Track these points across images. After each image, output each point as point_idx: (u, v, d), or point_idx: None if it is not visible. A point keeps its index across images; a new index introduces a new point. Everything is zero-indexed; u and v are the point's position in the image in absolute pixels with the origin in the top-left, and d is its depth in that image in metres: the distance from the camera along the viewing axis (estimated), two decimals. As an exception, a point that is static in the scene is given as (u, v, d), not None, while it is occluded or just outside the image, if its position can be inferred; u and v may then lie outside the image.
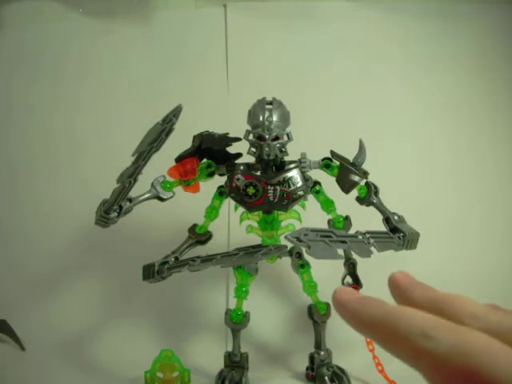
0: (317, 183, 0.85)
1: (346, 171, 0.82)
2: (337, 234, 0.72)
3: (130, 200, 0.81)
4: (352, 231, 0.79)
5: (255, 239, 0.87)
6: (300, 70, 1.21)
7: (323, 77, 1.21)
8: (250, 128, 0.82)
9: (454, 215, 1.19)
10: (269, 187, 0.82)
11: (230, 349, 0.90)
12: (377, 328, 0.26)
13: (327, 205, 0.86)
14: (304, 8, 1.25)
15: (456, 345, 0.22)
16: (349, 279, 0.89)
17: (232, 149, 0.85)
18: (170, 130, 0.73)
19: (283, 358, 1.01)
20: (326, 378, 0.87)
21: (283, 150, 0.81)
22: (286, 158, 0.84)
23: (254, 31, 1.23)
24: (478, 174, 1.22)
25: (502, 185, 1.22)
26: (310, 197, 0.85)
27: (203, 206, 0.87)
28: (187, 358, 0.94)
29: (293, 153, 0.83)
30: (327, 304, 0.90)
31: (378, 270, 1.00)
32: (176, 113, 0.72)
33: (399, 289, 0.30)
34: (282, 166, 0.84)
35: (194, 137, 0.85)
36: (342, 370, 0.87)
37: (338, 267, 0.89)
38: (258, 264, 0.88)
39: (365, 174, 0.83)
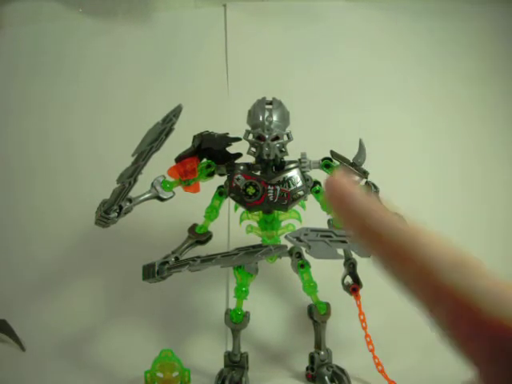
0: (317, 183, 0.85)
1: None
2: (337, 234, 0.72)
3: (130, 200, 0.81)
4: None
5: (255, 239, 0.87)
6: (300, 69, 1.21)
7: (323, 76, 1.21)
8: (249, 128, 0.82)
9: (456, 215, 1.19)
10: (269, 187, 0.82)
11: (230, 349, 0.90)
12: (386, 244, 0.21)
13: (327, 204, 0.85)
14: (304, 8, 1.25)
15: (501, 295, 0.17)
16: (349, 279, 0.89)
17: (232, 149, 0.85)
18: (170, 130, 0.73)
19: (283, 358, 1.01)
20: (326, 377, 0.86)
21: (283, 149, 0.81)
22: (286, 158, 0.84)
23: (254, 31, 1.23)
24: (481, 172, 1.22)
25: (505, 184, 1.22)
26: (310, 197, 0.85)
27: (203, 206, 0.87)
28: (187, 358, 0.93)
29: (293, 153, 0.83)
30: (327, 304, 0.90)
31: (378, 270, 1.00)
32: (176, 113, 0.72)
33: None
34: (281, 166, 0.84)
35: (194, 137, 0.85)
36: (342, 370, 0.87)
37: (338, 267, 0.89)
38: (258, 264, 0.88)
39: (365, 174, 0.83)
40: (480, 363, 0.18)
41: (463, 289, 0.18)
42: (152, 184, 0.84)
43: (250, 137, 0.81)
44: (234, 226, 0.96)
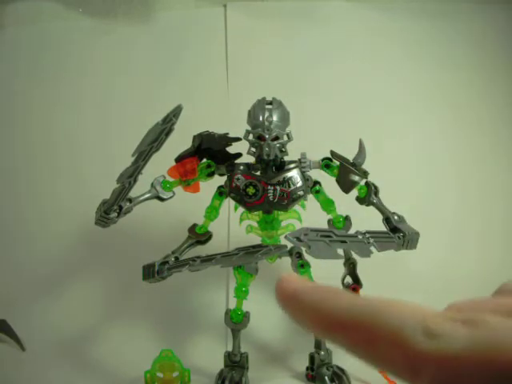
0: (317, 183, 0.85)
1: (346, 171, 0.82)
2: (337, 234, 0.72)
3: (130, 200, 0.81)
4: (352, 231, 0.79)
5: (255, 239, 0.87)
6: (300, 69, 1.21)
7: (323, 76, 1.21)
8: (249, 128, 0.82)
9: (455, 214, 1.19)
10: (269, 187, 0.82)
11: (230, 349, 0.90)
12: (348, 329, 0.19)
13: (327, 205, 0.85)
14: (304, 8, 1.25)
15: (477, 338, 0.17)
16: (349, 279, 0.89)
17: (232, 149, 0.85)
18: (170, 130, 0.73)
19: (283, 357, 1.01)
20: (326, 377, 0.87)
21: (283, 149, 0.81)
22: (286, 158, 0.84)
23: (254, 31, 1.23)
24: (478, 173, 1.22)
25: (502, 184, 1.23)
26: (310, 197, 0.85)
27: (203, 206, 0.87)
28: (187, 358, 0.94)
29: (293, 153, 0.83)
30: (327, 304, 0.90)
31: (378, 269, 1.00)
32: (176, 113, 0.72)
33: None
34: (281, 166, 0.84)
35: (194, 137, 0.85)
36: (342, 370, 0.87)
37: (337, 267, 0.89)
38: (258, 264, 0.88)
39: (365, 174, 0.83)
40: None
41: (446, 352, 0.17)
42: (152, 184, 0.84)
43: (250, 137, 0.81)
44: (234, 226, 0.96)
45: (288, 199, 0.82)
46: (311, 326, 0.20)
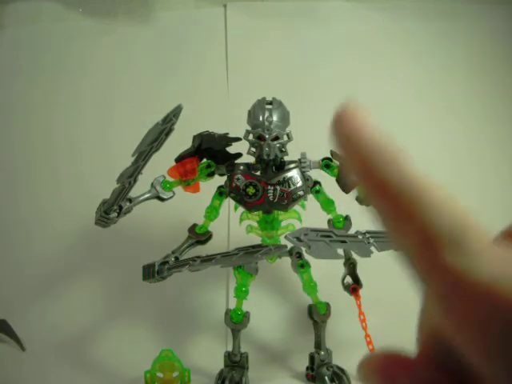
0: (317, 183, 0.85)
1: (346, 171, 0.82)
2: (337, 234, 0.72)
3: (130, 200, 0.81)
4: (352, 231, 0.79)
5: (255, 239, 0.87)
6: (300, 69, 1.21)
7: (323, 76, 1.21)
8: (249, 128, 0.82)
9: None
10: (269, 187, 0.82)
11: (230, 349, 0.90)
12: (388, 198, 0.18)
13: (327, 205, 0.85)
14: (304, 8, 1.25)
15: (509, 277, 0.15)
16: (349, 279, 0.89)
17: (232, 149, 0.85)
18: (170, 130, 0.73)
19: (283, 357, 1.00)
20: (326, 377, 0.86)
21: (283, 149, 0.81)
22: (286, 158, 0.84)
23: (254, 31, 1.23)
24: (479, 172, 1.22)
25: (501, 183, 1.22)
26: (310, 197, 0.85)
27: (203, 206, 0.87)
28: (187, 358, 0.94)
29: (293, 153, 0.83)
30: (327, 304, 0.90)
31: (378, 270, 1.00)
32: (176, 113, 0.72)
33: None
34: (281, 166, 0.84)
35: (194, 137, 0.85)
36: (342, 370, 0.87)
37: (337, 267, 0.89)
38: (258, 264, 0.88)
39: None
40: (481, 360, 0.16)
41: (462, 268, 0.16)
42: (152, 184, 0.84)
43: (250, 137, 0.81)
44: (234, 226, 0.96)
45: (288, 199, 0.83)
46: (354, 167, 0.19)
